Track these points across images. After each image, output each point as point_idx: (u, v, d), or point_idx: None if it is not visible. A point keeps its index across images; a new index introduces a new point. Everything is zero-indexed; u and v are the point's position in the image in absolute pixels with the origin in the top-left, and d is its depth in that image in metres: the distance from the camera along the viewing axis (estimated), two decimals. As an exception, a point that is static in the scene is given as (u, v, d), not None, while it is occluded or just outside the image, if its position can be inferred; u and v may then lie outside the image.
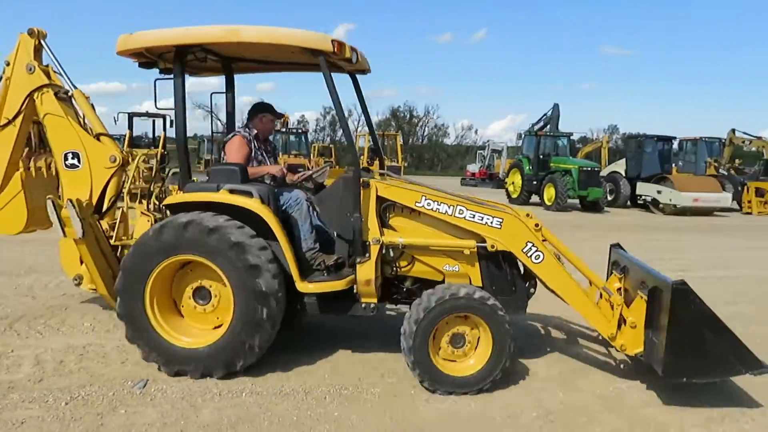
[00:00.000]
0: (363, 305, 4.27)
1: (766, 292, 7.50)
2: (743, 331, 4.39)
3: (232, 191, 4.14)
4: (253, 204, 4.08)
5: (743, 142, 28.82)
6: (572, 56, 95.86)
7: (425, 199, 4.22)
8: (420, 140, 72.87)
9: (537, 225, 4.24)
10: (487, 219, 4.19)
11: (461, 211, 4.20)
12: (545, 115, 24.45)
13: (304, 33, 3.96)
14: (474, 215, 4.19)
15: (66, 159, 4.96)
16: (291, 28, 3.98)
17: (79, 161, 4.95)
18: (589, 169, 19.66)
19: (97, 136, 5.04)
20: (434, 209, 4.22)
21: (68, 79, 5.11)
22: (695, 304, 3.61)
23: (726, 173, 24.07)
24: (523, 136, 23.31)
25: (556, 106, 24.35)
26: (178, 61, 4.20)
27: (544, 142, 21.93)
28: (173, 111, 4.27)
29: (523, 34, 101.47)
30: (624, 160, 23.28)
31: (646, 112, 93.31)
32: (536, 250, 4.14)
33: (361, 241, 4.15)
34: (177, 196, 4.29)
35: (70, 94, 5.11)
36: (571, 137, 23.41)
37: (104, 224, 5.00)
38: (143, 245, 4.02)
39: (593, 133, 63.21)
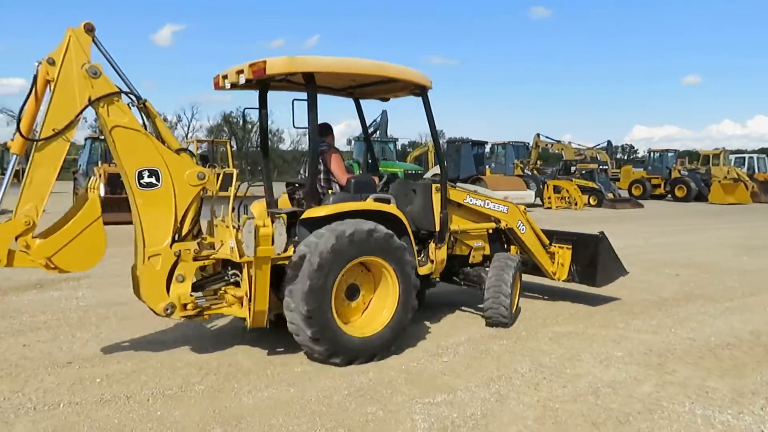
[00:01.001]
0: (435, 280, 5.76)
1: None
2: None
3: (376, 200, 5.00)
4: (394, 209, 5.07)
5: (547, 145, 32.74)
6: (403, 62, 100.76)
7: (468, 197, 6.02)
8: (255, 146, 71.94)
9: (524, 209, 6.44)
10: (501, 207, 6.24)
11: (488, 204, 6.12)
12: (375, 121, 25.68)
13: (420, 72, 5.30)
14: (495, 205, 6.17)
15: (141, 177, 4.44)
16: (406, 67, 5.16)
17: (157, 179, 4.48)
18: (414, 172, 21.13)
19: (177, 152, 4.59)
20: (473, 203, 6.04)
21: (131, 85, 4.49)
22: (607, 243, 6.47)
23: (530, 173, 27.24)
24: (353, 141, 24.30)
25: (384, 113, 25.70)
26: (312, 84, 4.83)
27: (374, 146, 23.07)
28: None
29: (354, 41, 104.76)
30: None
31: (469, 118, 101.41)
32: (523, 225, 6.36)
33: (441, 231, 5.53)
34: (330, 207, 4.75)
35: (143, 103, 4.54)
36: (398, 142, 24.88)
37: (193, 244, 4.62)
38: (335, 251, 4.47)
39: (422, 137, 67.20)
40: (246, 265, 4.45)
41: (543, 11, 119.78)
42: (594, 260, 6.43)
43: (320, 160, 5.28)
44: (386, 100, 6.23)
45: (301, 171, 5.68)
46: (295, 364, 4.66)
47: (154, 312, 4.59)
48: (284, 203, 5.76)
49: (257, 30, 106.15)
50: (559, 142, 32.18)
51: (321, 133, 5.37)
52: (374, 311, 4.96)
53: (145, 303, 4.63)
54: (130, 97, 4.46)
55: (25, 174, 4.10)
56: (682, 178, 31.32)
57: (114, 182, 16.18)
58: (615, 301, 6.98)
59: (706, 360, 4.86)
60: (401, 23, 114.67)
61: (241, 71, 4.77)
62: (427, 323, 5.90)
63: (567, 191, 24.20)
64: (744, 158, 36.25)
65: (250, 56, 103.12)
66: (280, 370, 4.54)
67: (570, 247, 6.61)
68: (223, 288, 4.76)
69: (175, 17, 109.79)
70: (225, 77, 5.01)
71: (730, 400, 4.03)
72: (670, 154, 34.30)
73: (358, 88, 5.75)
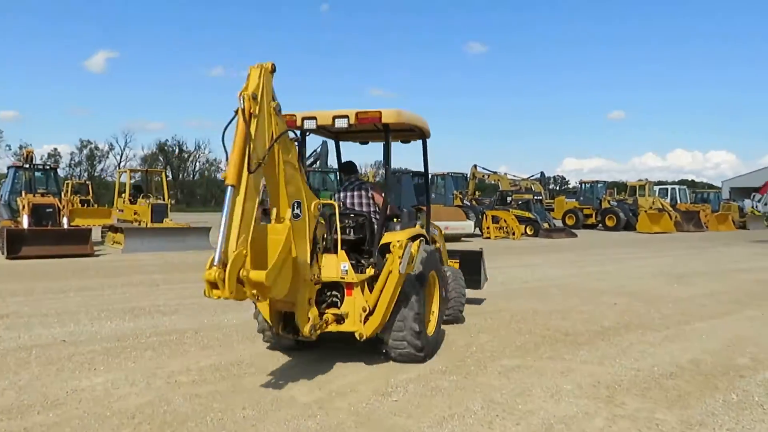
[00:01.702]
0: None
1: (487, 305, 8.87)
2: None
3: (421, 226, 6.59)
4: (425, 232, 6.59)
5: (484, 176, 33.50)
6: (344, 96, 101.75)
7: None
8: (191, 176, 70.16)
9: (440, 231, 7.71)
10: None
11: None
12: (315, 151, 25.54)
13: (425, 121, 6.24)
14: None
15: (293, 209, 4.73)
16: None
17: (300, 210, 4.82)
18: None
19: None
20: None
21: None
22: (483, 256, 8.34)
23: (469, 204, 27.69)
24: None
25: (324, 143, 25.59)
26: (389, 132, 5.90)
27: (313, 177, 22.87)
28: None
29: (293, 73, 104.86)
30: (386, 193, 25.36)
31: (408, 149, 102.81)
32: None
33: None
34: (406, 232, 5.89)
35: (297, 140, 4.98)
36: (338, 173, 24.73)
37: (315, 269, 5.08)
38: (426, 266, 5.69)
39: (361, 168, 67.47)
40: (387, 280, 5.15)
41: (479, 46, 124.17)
42: (477, 269, 8.23)
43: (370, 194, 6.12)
44: (407, 142, 6.80)
45: (348, 202, 6.18)
46: (237, 409, 4.37)
47: (302, 336, 4.99)
48: None
49: (195, 58, 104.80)
50: (495, 173, 33.04)
51: (353, 170, 6.44)
52: (430, 313, 6.03)
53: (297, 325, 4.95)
54: (294, 134, 5.12)
55: (236, 206, 4.13)
56: (612, 209, 32.67)
57: (39, 213, 15.27)
58: (560, 332, 7.02)
59: (652, 391, 4.89)
60: (341, 57, 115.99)
61: (341, 116, 5.42)
62: (375, 358, 5.72)
63: (505, 221, 24.70)
64: (667, 189, 38.31)
65: (190, 85, 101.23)
66: (221, 417, 4.24)
67: (458, 261, 8.21)
68: (324, 309, 5.43)
69: (108, 44, 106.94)
70: (311, 118, 5.54)
71: (680, 432, 4.04)
72: (599, 185, 35.79)
73: (392, 133, 6.15)
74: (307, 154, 25.97)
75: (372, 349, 6.02)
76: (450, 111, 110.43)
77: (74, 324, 7.14)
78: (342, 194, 6.22)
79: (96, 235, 18.79)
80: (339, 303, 5.48)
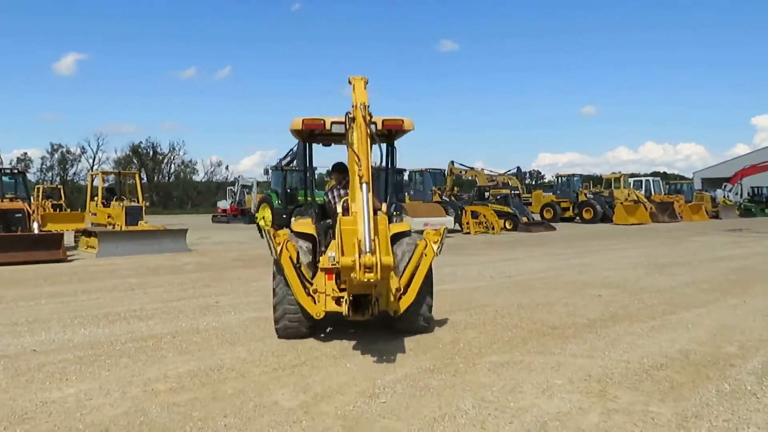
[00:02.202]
0: None
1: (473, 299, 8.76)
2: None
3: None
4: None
5: (461, 172, 33.52)
6: (317, 94, 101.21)
7: None
8: (167, 178, 69.01)
9: None
10: None
11: None
12: (291, 150, 25.22)
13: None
14: None
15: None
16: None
17: None
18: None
19: None
20: None
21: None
22: None
23: (448, 200, 27.62)
24: (270, 171, 23.69)
25: (299, 143, 25.33)
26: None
27: (291, 176, 22.56)
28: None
29: (266, 71, 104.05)
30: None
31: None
32: None
33: None
34: (404, 224, 6.57)
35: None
36: (316, 171, 24.44)
37: None
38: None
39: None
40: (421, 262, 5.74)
41: (451, 44, 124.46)
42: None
43: None
44: (392, 143, 6.97)
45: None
46: (218, 417, 4.16)
47: (372, 315, 5.73)
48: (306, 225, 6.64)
49: (166, 59, 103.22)
50: (472, 168, 33.10)
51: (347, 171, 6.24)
52: None
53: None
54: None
55: (369, 201, 4.84)
56: (589, 201, 32.89)
57: (7, 219, 14.75)
58: (546, 326, 6.91)
59: (644, 383, 4.79)
60: (313, 57, 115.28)
61: (371, 123, 5.66)
62: (361, 358, 5.54)
63: (484, 216, 24.67)
64: (641, 181, 38.77)
65: (163, 86, 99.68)
66: (200, 426, 4.02)
67: None
68: None
69: (78, 46, 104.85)
70: (338, 123, 5.83)
71: (677, 426, 3.94)
72: (575, 179, 36.03)
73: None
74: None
75: (356, 348, 5.85)
76: (424, 108, 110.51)
77: (45, 332, 6.82)
78: (341, 192, 6.82)
79: (69, 239, 18.28)
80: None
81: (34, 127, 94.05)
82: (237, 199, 37.20)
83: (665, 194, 37.87)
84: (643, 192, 35.54)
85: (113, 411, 4.30)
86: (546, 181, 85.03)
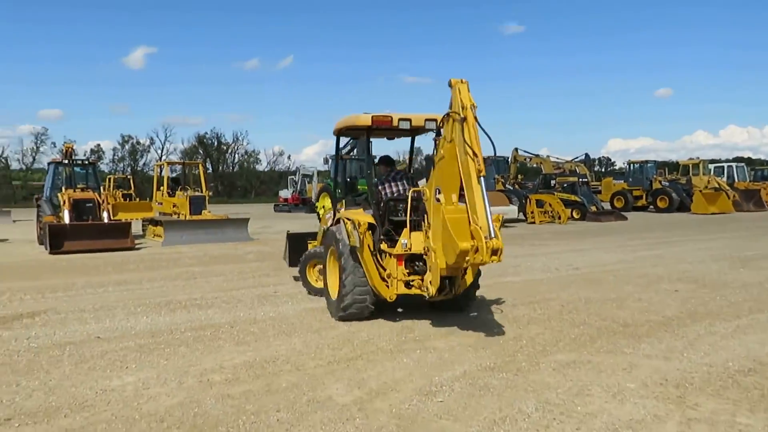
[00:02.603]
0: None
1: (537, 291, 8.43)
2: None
3: None
4: None
5: (525, 159, 32.67)
6: (377, 83, 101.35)
7: None
8: (231, 167, 70.95)
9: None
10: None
11: None
12: (351, 139, 25.27)
13: None
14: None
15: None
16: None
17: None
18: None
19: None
20: None
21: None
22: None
23: (511, 188, 26.98)
24: (330, 160, 23.81)
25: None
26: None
27: (350, 165, 22.60)
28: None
29: (328, 60, 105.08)
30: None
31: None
32: None
33: None
34: None
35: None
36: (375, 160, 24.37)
37: None
38: None
39: (399, 155, 67.06)
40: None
41: (515, 27, 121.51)
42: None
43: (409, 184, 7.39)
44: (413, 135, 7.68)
45: (394, 190, 7.29)
46: (271, 411, 4.12)
47: (449, 296, 6.36)
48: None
49: (230, 50, 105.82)
50: (537, 156, 32.13)
51: (393, 162, 7.77)
52: None
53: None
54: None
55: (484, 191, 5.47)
56: (664, 189, 31.37)
57: (79, 208, 15.44)
58: (617, 323, 6.55)
59: (729, 390, 4.42)
60: (373, 45, 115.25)
61: (431, 119, 6.57)
62: (417, 353, 5.40)
63: (550, 205, 23.97)
64: (723, 167, 36.59)
65: (227, 77, 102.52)
66: (254, 420, 4.00)
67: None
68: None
69: (147, 39, 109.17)
70: (406, 120, 6.65)
71: (767, 439, 3.59)
72: (649, 165, 34.41)
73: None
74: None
75: (413, 343, 5.72)
76: (486, 93, 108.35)
77: (110, 320, 7.04)
78: (389, 183, 7.31)
79: (138, 228, 19.04)
80: (420, 270, 6.45)
81: (106, 120, 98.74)
82: (298, 188, 37.73)
83: (750, 181, 35.63)
84: (725, 179, 33.56)
85: (169, 401, 4.35)
86: (617, 168, 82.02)
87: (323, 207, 22.29)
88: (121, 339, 6.17)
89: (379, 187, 7.30)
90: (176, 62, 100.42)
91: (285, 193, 39.13)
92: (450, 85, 5.88)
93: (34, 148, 60.56)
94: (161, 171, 21.17)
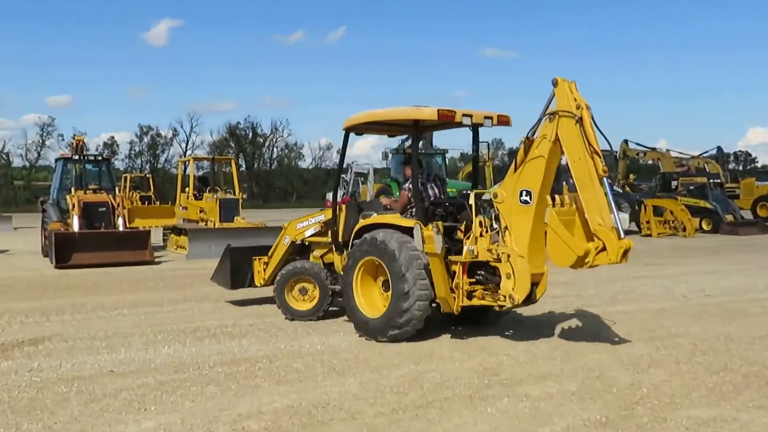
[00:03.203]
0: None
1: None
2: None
3: None
4: None
5: (637, 154, 31.77)
6: (446, 60, 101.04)
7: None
8: (268, 164, 71.92)
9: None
10: None
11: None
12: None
13: None
14: None
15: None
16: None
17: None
18: (465, 192, 20.54)
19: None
20: None
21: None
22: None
23: (621, 190, 26.27)
24: (390, 155, 23.85)
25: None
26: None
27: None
28: None
29: (388, 33, 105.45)
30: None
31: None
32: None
33: None
34: None
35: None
36: (447, 154, 24.31)
37: None
38: None
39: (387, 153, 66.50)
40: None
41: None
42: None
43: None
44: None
45: (431, 193, 8.25)
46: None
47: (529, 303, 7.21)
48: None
49: (269, 22, 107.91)
50: (653, 149, 31.20)
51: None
52: None
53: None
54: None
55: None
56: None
57: (90, 213, 15.96)
58: (766, 368, 6.22)
59: None
60: (445, 14, 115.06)
61: (489, 117, 7.71)
62: (504, 402, 5.28)
63: (671, 213, 23.25)
64: None
65: (265, 54, 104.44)
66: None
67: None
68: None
69: (172, 11, 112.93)
70: (468, 116, 7.55)
71: None
72: (805, 162, 32.89)
73: None
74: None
75: (498, 387, 5.59)
76: (586, 73, 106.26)
77: (125, 350, 7.23)
78: (428, 185, 8.22)
79: (158, 238, 19.56)
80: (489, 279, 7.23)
81: (122, 107, 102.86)
82: (350, 189, 37.99)
83: None
84: None
85: (195, 454, 4.38)
86: (759, 166, 78.82)
87: (381, 214, 22.36)
88: (139, 374, 6.31)
89: (424, 187, 8.12)
90: (205, 38, 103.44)
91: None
92: (555, 83, 6.71)
93: (39, 141, 63.39)
94: (186, 168, 21.68)
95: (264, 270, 9.48)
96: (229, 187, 20.54)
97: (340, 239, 8.40)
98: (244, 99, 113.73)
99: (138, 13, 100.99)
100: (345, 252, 8.21)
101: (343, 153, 9.21)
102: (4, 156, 63.18)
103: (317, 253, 9.07)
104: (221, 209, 18.09)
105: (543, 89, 6.70)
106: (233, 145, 68.86)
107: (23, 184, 62.04)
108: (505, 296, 6.87)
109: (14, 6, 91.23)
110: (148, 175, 37.92)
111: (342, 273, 8.09)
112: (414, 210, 7.75)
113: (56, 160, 19.10)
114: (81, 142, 17.70)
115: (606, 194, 6.42)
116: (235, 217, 18.27)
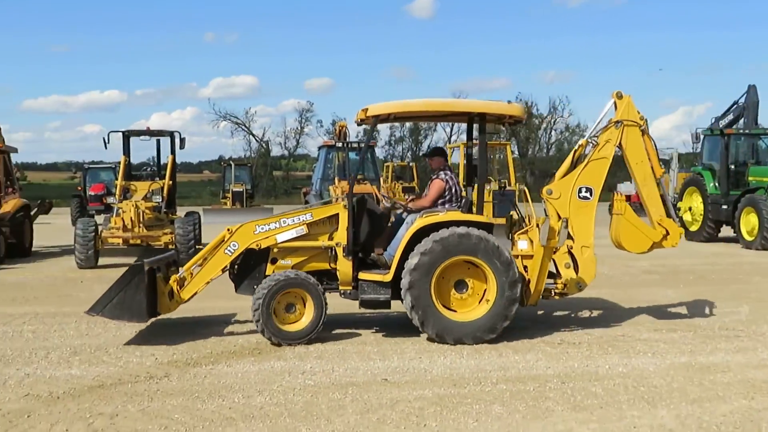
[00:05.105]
0: None
1: None
2: None
3: None
4: None
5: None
6: None
7: None
8: (545, 150, 71.37)
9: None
10: None
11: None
12: (735, 103, 23.50)
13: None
14: None
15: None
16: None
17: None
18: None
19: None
20: None
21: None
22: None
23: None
24: (702, 136, 22.57)
25: (752, 90, 23.37)
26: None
27: (736, 144, 21.09)
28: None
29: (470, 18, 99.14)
30: None
31: None
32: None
33: None
34: None
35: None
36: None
37: None
38: None
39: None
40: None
41: None
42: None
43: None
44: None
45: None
46: None
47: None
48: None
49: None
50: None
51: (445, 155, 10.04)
52: None
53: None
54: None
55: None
56: None
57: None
58: None
59: None
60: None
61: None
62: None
63: None
64: None
65: (541, 24, 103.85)
66: None
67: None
68: None
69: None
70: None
71: None
72: None
73: None
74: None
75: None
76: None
77: (398, 357, 7.63)
78: (456, 180, 9.20)
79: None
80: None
81: (380, 89, 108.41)
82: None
83: None
84: None
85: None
86: None
87: (689, 209, 21.22)
88: (415, 385, 6.64)
89: (452, 182, 9.03)
90: (473, 9, 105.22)
91: (625, 188, 38.23)
92: (620, 96, 8.95)
93: (298, 128, 68.59)
94: (452, 156, 22.33)
95: (182, 289, 8.62)
96: (504, 176, 20.75)
97: (361, 241, 8.62)
98: (519, 73, 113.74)
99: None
100: (357, 256, 8.58)
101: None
102: (264, 144, 68.42)
103: (289, 261, 8.71)
104: (494, 202, 18.28)
105: None
106: (504, 128, 69.23)
107: (282, 173, 67.36)
108: (564, 284, 8.54)
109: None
110: (410, 164, 39.32)
111: (409, 278, 8.04)
112: (450, 203, 8.91)
113: (319, 148, 20.59)
114: (344, 129, 18.79)
115: (662, 191, 9.02)
116: (511, 213, 18.37)
